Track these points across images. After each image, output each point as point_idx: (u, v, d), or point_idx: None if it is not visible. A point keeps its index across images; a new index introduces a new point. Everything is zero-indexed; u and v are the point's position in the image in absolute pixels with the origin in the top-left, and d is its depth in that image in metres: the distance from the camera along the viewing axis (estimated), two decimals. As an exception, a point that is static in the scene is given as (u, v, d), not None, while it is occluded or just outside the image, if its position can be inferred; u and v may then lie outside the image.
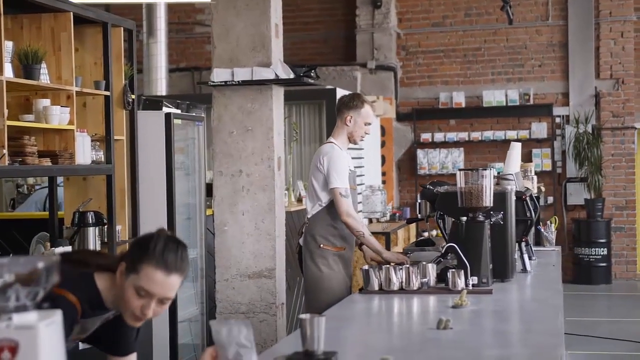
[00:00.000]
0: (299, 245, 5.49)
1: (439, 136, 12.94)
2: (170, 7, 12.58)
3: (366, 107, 5.35)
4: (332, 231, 5.26)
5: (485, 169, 4.46)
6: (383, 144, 12.49)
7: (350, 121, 5.32)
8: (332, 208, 5.26)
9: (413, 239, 10.29)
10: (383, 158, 12.53)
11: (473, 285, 4.29)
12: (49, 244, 5.49)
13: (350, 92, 5.70)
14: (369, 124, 5.38)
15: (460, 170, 4.49)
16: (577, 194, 12.64)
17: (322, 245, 5.24)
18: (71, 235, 5.39)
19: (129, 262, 2.62)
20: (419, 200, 5.22)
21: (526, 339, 3.21)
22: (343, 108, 5.36)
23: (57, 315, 1.79)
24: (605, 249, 12.30)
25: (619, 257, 12.63)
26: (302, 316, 2.76)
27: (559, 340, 3.06)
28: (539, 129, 12.69)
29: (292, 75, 5.89)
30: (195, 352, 6.82)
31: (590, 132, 12.41)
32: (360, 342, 3.24)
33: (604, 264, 12.31)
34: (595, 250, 12.28)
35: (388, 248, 9.30)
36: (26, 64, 4.80)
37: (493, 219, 4.50)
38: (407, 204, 12.82)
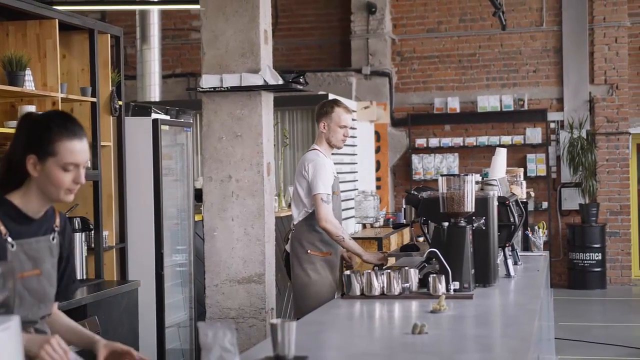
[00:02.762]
0: (286, 251, 5.53)
1: (433, 141, 12.96)
2: (166, 14, 12.61)
3: (337, 111, 5.42)
4: (319, 236, 5.33)
5: (467, 175, 4.48)
6: (378, 150, 12.52)
7: (325, 127, 5.43)
8: None
9: (407, 244, 10.29)
10: (378, 163, 12.55)
11: (455, 291, 4.30)
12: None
13: (326, 100, 5.80)
14: (344, 126, 5.44)
15: (442, 175, 4.51)
16: (571, 199, 12.65)
17: (309, 251, 5.32)
18: (58, 241, 5.40)
19: (38, 153, 2.69)
20: (404, 206, 5.25)
21: (499, 343, 3.22)
22: (317, 116, 5.50)
23: (13, 321, 1.81)
24: (600, 254, 12.30)
25: (613, 262, 12.63)
26: (273, 321, 2.79)
27: (529, 344, 3.07)
28: (534, 134, 12.70)
29: (280, 81, 5.91)
30: (183, 357, 6.83)
31: (585, 137, 12.43)
32: (334, 346, 3.26)
33: (598, 269, 12.31)
34: (590, 255, 12.28)
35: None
36: (10, 71, 4.83)
37: (475, 224, 4.52)
38: (401, 209, 12.83)
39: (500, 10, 9.84)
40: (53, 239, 2.84)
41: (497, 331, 3.56)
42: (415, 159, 13.00)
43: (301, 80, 6.19)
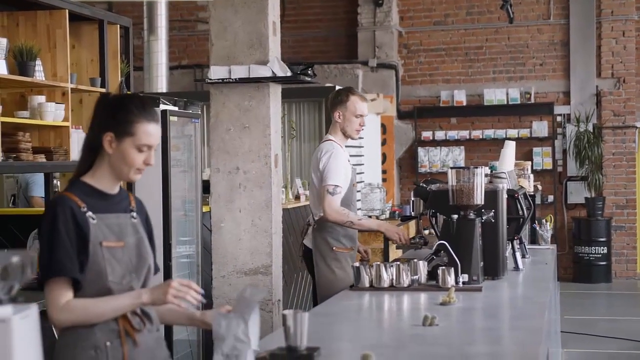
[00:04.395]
0: (303, 246, 5.37)
1: (440, 134, 12.95)
2: (173, 5, 12.61)
3: (352, 100, 5.26)
4: (343, 232, 5.20)
5: (477, 168, 4.48)
6: (384, 142, 12.51)
7: (339, 117, 5.27)
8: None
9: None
10: (384, 156, 12.55)
11: (464, 283, 4.30)
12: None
13: (341, 88, 5.63)
14: (360, 116, 5.27)
15: (451, 168, 4.50)
16: (577, 193, 12.64)
17: (335, 248, 5.18)
18: (67, 231, 5.41)
19: (116, 132, 2.80)
20: (412, 198, 5.23)
21: (510, 336, 3.23)
22: (330, 105, 5.36)
23: (32, 309, 1.82)
24: (606, 247, 12.30)
25: (619, 255, 12.63)
26: (285, 312, 2.79)
27: (541, 338, 3.07)
28: (540, 127, 12.69)
29: (289, 73, 5.91)
30: (190, 347, 6.85)
31: (591, 130, 12.42)
32: (346, 338, 3.26)
33: (604, 263, 12.32)
34: (596, 249, 12.28)
35: (387, 245, 9.29)
36: (21, 61, 4.83)
37: (484, 217, 4.52)
38: (407, 201, 12.83)
39: (508, 3, 9.82)
40: (133, 217, 2.93)
41: (508, 324, 3.55)
42: (421, 151, 13.00)
43: (309, 72, 6.19)
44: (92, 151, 2.85)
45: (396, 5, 13.14)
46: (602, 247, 12.28)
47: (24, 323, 1.78)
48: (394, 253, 9.04)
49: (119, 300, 2.78)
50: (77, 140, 5.30)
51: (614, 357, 8.00)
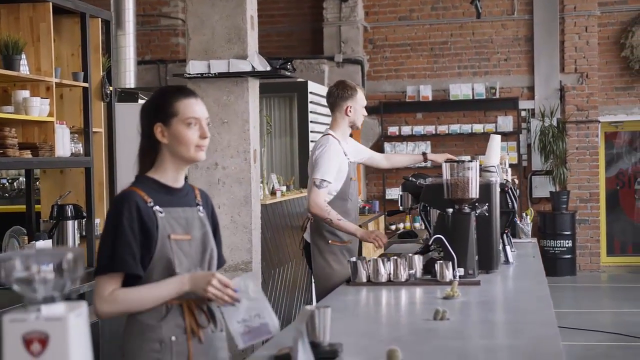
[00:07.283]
0: (303, 240, 5.36)
1: (406, 129, 12.98)
2: (136, -1, 12.44)
3: (359, 92, 5.36)
4: None
5: (471, 161, 4.48)
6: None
7: (350, 111, 5.30)
8: (336, 202, 5.17)
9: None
10: (350, 151, 12.52)
11: (460, 277, 4.30)
12: (25, 237, 5.40)
13: (337, 83, 5.50)
14: (364, 105, 5.41)
15: (446, 162, 4.49)
16: (542, 187, 12.77)
17: (330, 242, 5.18)
18: (50, 229, 5.31)
19: (162, 119, 2.85)
20: (400, 193, 5.22)
21: (523, 329, 3.20)
22: (339, 101, 5.31)
23: (84, 307, 1.77)
24: (570, 241, 12.44)
25: (583, 249, 12.78)
26: (308, 307, 2.75)
27: (557, 330, 3.08)
28: (505, 122, 12.79)
29: (268, 68, 5.87)
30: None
31: (556, 125, 12.54)
32: (359, 333, 3.23)
33: (568, 256, 12.46)
34: (560, 243, 12.41)
35: (360, 244, 9.28)
36: (6, 55, 4.72)
37: (478, 211, 4.52)
38: (374, 197, 12.86)
39: (477, -2, 9.88)
40: (199, 211, 2.94)
41: (518, 317, 3.53)
42: (387, 146, 13.01)
43: (288, 66, 6.16)
44: (150, 150, 2.89)
45: (361, 0, 13.14)
46: (566, 241, 12.42)
47: (79, 320, 1.74)
48: (369, 251, 9.03)
49: (161, 288, 2.78)
50: (61, 136, 5.19)
51: (582, 348, 8.08)
